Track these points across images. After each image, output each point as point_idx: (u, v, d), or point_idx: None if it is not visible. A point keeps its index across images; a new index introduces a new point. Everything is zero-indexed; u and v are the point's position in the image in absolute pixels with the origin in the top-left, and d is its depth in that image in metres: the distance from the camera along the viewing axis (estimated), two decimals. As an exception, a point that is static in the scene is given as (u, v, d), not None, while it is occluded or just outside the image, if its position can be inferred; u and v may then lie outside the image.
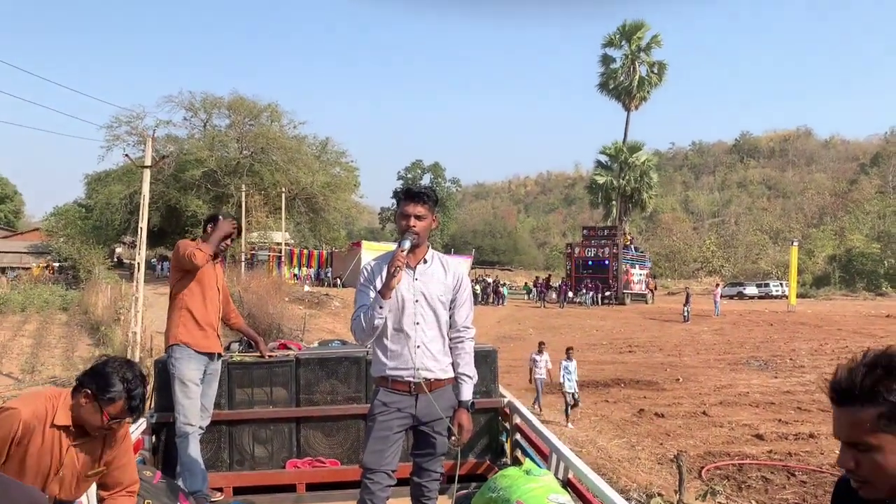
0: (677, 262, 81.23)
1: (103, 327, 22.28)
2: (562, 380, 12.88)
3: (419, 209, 3.31)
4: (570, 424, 12.58)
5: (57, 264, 48.58)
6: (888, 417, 1.31)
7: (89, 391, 2.69)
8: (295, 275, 45.08)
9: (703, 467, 10.46)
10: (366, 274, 3.42)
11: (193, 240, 4.70)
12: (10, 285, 39.05)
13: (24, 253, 55.37)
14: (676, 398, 14.93)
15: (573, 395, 12.81)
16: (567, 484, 3.80)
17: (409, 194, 3.35)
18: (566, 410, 12.81)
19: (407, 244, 3.26)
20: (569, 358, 13.09)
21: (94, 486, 3.03)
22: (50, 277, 44.58)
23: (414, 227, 3.29)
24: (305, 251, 49.20)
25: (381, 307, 3.23)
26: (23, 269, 49.44)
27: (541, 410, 13.45)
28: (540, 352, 13.91)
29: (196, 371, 4.44)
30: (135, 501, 3.09)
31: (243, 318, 5.33)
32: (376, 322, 3.26)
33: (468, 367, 3.46)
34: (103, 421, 2.69)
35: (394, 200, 3.48)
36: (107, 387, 2.68)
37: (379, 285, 3.28)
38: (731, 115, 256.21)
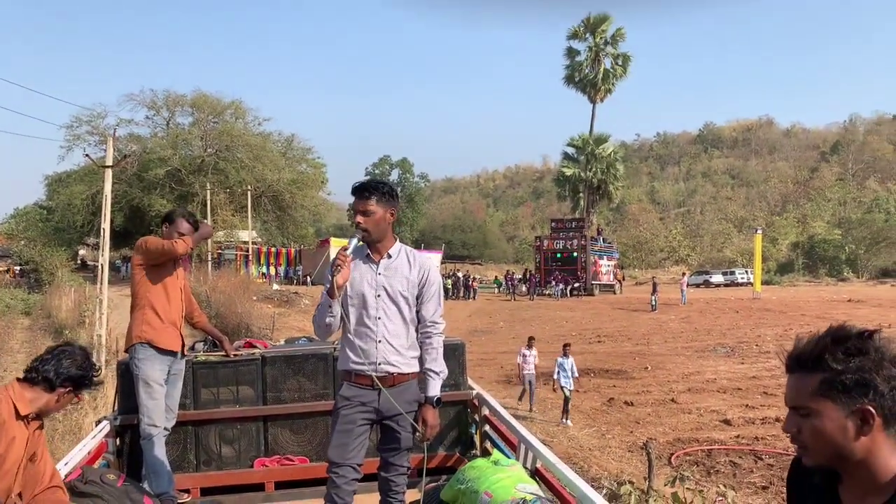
0: (644, 253, 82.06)
1: (67, 331, 21.88)
2: (556, 376, 12.35)
3: (367, 205, 3.26)
4: (568, 421, 12.15)
5: (18, 267, 47.59)
6: (829, 383, 1.36)
7: (70, 388, 2.92)
8: (263, 274, 44.71)
9: (672, 454, 10.59)
10: (329, 271, 3.40)
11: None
12: (-30, 290, 38.15)
13: (-16, 257, 54.11)
14: (645, 386, 15.10)
15: (568, 392, 12.28)
16: (535, 473, 3.81)
17: (356, 190, 3.31)
18: (565, 408, 12.34)
19: (353, 242, 3.26)
20: (566, 354, 12.48)
21: None
22: (11, 281, 43.66)
23: (360, 223, 3.27)
24: (273, 249, 48.81)
25: (329, 306, 3.22)
26: (-18, 273, 48.32)
27: (531, 409, 13.05)
28: (529, 346, 13.35)
29: (160, 372, 4.37)
30: (62, 496, 3.07)
31: (210, 318, 5.27)
32: (327, 320, 3.24)
33: (435, 362, 3.42)
34: (59, 403, 2.96)
35: None
36: (82, 380, 2.96)
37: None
38: (695, 105, 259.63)
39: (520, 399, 13.33)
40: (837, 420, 1.36)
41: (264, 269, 45.66)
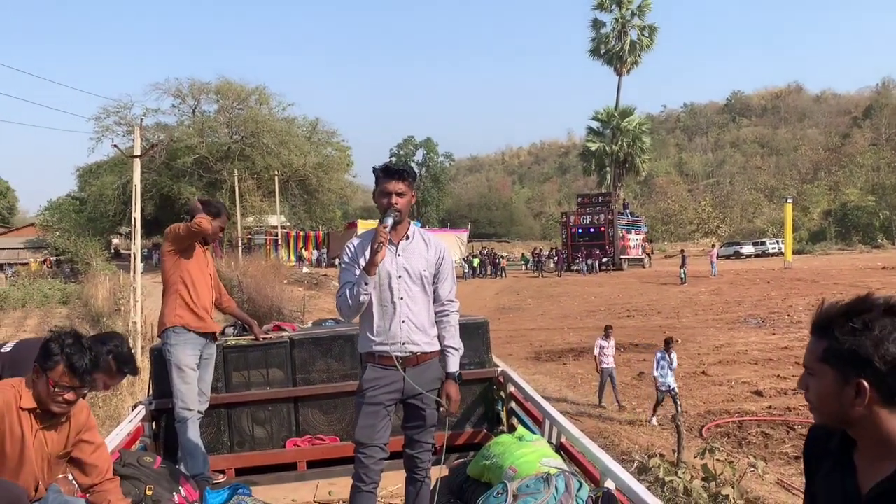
0: (674, 225, 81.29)
1: (104, 318, 22.34)
2: (655, 373, 11.03)
3: (399, 186, 3.35)
4: (654, 420, 10.98)
5: (54, 258, 48.54)
6: (831, 351, 1.44)
7: (36, 364, 2.80)
8: (300, 258, 45.09)
9: (703, 426, 10.58)
10: (349, 252, 3.47)
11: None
12: (9, 281, 39.09)
13: (21, 248, 55.24)
14: (676, 359, 15.03)
15: (671, 391, 10.92)
16: (560, 448, 3.87)
17: (388, 171, 3.38)
18: (655, 408, 11.12)
19: (389, 221, 3.31)
20: (668, 350, 11.13)
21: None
22: (48, 272, 44.56)
23: (396, 204, 3.33)
24: (302, 233, 49.19)
25: (366, 283, 3.28)
26: (20, 264, 49.39)
27: (620, 405, 11.89)
28: (606, 336, 12.20)
29: (192, 356, 4.48)
30: (118, 484, 3.16)
31: (242, 303, 5.36)
32: (362, 298, 3.30)
33: (454, 339, 3.51)
34: (49, 389, 2.77)
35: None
36: (47, 354, 2.79)
37: (363, 263, 3.33)
38: (722, 74, 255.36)
39: (599, 398, 12.15)
40: (834, 386, 1.43)
41: (301, 255, 46.02)
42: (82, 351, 2.82)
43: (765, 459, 8.33)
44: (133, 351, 3.17)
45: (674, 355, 11.14)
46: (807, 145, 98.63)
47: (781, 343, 15.99)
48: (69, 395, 2.82)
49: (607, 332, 12.39)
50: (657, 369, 11.02)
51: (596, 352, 12.21)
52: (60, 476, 3.04)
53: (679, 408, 10.74)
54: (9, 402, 2.77)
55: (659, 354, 11.17)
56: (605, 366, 11.99)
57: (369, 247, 3.31)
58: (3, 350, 3.54)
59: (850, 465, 1.48)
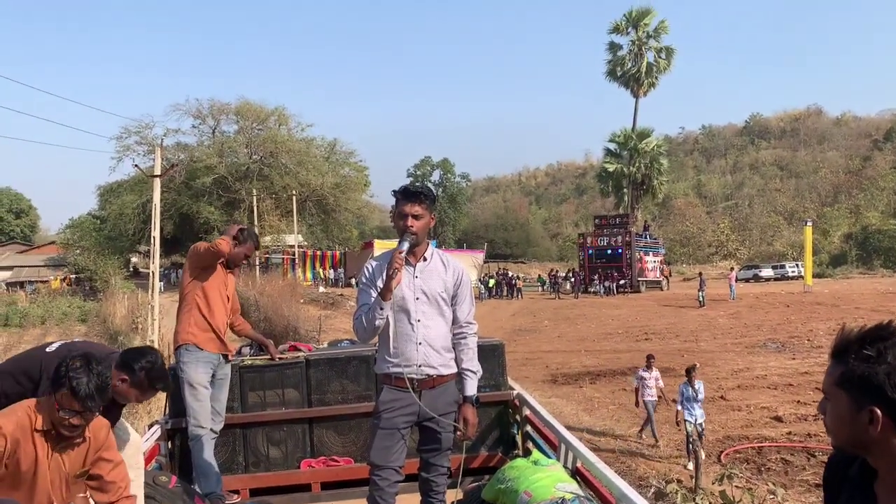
0: (692, 248, 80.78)
1: (122, 337, 22.48)
2: (679, 406, 10.21)
3: (417, 209, 3.34)
4: (690, 465, 9.67)
5: (74, 276, 49.03)
6: (846, 377, 1.44)
7: (49, 391, 2.81)
8: (320, 277, 45.21)
9: (722, 451, 10.44)
10: (367, 274, 3.46)
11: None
12: (30, 299, 39.52)
13: (42, 266, 55.92)
14: (703, 388, 14.86)
15: (698, 426, 10.00)
16: (575, 473, 3.83)
17: (406, 194, 3.38)
18: (688, 448, 9.96)
19: (405, 245, 3.29)
20: (690, 381, 10.23)
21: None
22: (68, 290, 45.00)
23: (412, 226, 3.32)
24: (319, 252, 49.41)
25: (381, 308, 3.27)
26: (41, 282, 49.94)
27: (657, 441, 11.10)
28: (648, 367, 11.42)
29: (204, 374, 4.49)
30: (135, 502, 3.17)
31: (258, 322, 5.39)
32: (377, 322, 3.30)
33: (472, 362, 3.48)
34: (55, 412, 2.76)
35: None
36: (56, 377, 2.79)
37: (380, 285, 3.32)
38: (741, 96, 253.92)
39: (640, 432, 11.54)
40: (849, 412, 1.43)
41: (318, 273, 46.16)
42: (88, 375, 2.77)
43: (784, 486, 8.21)
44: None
45: (698, 385, 10.31)
46: (827, 168, 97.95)
47: (801, 368, 15.78)
48: (74, 420, 2.79)
49: (649, 361, 11.55)
50: (681, 403, 10.20)
51: (635, 383, 11.55)
52: (80, 496, 3.05)
53: (700, 441, 10.12)
54: (24, 424, 2.78)
55: (681, 387, 10.36)
56: (647, 398, 11.30)
57: (386, 270, 3.31)
58: (48, 350, 3.51)
59: (870, 494, 1.47)
